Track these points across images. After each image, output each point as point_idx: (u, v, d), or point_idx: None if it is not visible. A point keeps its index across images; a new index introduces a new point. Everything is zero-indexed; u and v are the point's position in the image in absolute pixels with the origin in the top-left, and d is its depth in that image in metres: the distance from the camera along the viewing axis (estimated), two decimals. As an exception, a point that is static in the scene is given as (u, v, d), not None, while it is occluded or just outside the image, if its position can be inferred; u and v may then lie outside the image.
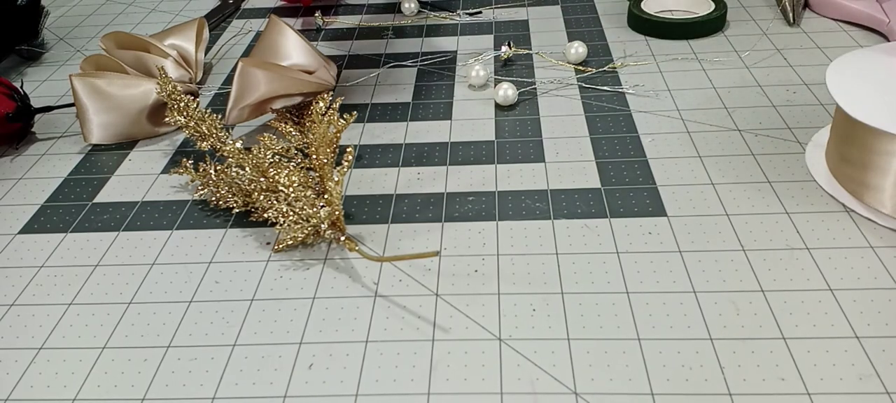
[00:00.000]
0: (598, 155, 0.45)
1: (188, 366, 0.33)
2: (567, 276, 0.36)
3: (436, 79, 0.56)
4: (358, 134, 0.49)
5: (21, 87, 0.53)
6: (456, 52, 0.60)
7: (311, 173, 0.42)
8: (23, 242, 0.42)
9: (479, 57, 0.58)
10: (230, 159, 0.42)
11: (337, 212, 0.38)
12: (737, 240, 0.37)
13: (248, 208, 0.42)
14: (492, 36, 0.62)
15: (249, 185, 0.41)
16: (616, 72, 0.54)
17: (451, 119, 0.50)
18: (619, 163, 0.44)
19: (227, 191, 0.42)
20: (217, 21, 0.69)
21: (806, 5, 0.62)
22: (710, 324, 0.33)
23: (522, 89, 0.53)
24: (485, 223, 0.40)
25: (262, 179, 0.40)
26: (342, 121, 0.42)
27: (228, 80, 0.57)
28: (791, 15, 0.60)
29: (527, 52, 0.58)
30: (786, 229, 0.38)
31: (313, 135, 0.44)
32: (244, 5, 0.73)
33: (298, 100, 0.49)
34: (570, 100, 0.51)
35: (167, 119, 0.47)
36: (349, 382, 0.31)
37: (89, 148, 0.50)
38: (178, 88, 0.49)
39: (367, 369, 0.32)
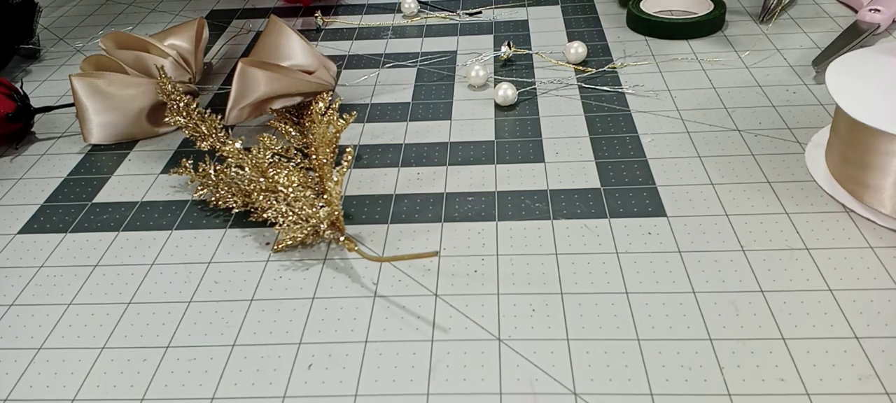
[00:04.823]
0: (597, 155, 0.45)
1: (187, 366, 0.33)
2: (566, 277, 0.36)
3: (436, 79, 0.56)
4: (358, 134, 0.49)
5: (21, 87, 0.53)
6: (456, 52, 0.60)
7: (311, 173, 0.42)
8: (22, 242, 0.42)
9: (479, 57, 0.58)
10: (230, 159, 0.42)
11: (336, 212, 0.38)
12: (736, 241, 0.37)
13: (248, 208, 0.42)
14: (492, 36, 0.62)
15: (249, 185, 0.41)
16: (616, 72, 0.54)
17: (450, 119, 0.50)
18: (619, 163, 0.44)
19: (227, 191, 0.42)
20: None
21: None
22: (709, 325, 0.33)
23: (522, 89, 0.53)
24: (484, 223, 0.40)
25: (261, 179, 0.40)
26: (342, 121, 0.42)
27: (228, 80, 0.57)
28: (768, 13, 0.60)
29: (527, 52, 0.58)
30: (785, 229, 0.38)
31: (313, 135, 0.44)
32: (245, 5, 0.73)
33: (298, 100, 0.49)
34: (569, 100, 0.51)
35: (167, 119, 0.47)
36: (348, 382, 0.31)
37: (89, 148, 0.50)
38: (178, 88, 0.49)
39: (366, 369, 0.32)
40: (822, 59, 0.52)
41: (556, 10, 0.66)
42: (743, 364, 0.31)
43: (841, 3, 0.62)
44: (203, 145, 0.45)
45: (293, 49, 0.53)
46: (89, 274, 0.39)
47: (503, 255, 0.38)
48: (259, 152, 0.41)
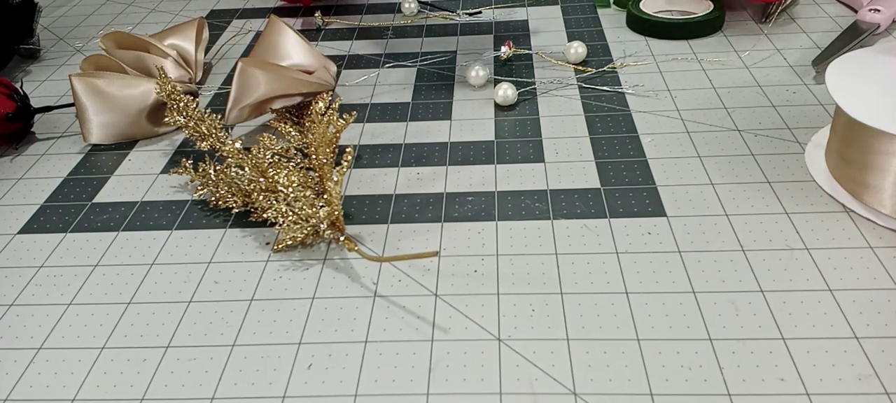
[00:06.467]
0: (597, 155, 0.45)
1: (187, 366, 0.33)
2: (566, 276, 0.36)
3: (436, 79, 0.56)
4: (357, 134, 0.49)
5: (21, 87, 0.53)
6: (456, 52, 0.60)
7: (311, 173, 0.42)
8: (22, 242, 0.42)
9: (479, 57, 0.58)
10: (230, 159, 0.42)
11: (336, 212, 0.38)
12: (736, 241, 0.37)
13: (248, 208, 0.42)
14: (492, 36, 0.62)
15: (249, 185, 0.41)
16: (616, 72, 0.54)
17: (450, 119, 0.50)
18: (619, 163, 0.44)
19: (227, 191, 0.42)
20: None
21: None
22: (709, 325, 0.33)
23: (522, 89, 0.53)
24: (484, 223, 0.40)
25: (261, 179, 0.40)
26: (342, 121, 0.42)
27: (228, 80, 0.57)
28: (770, 15, 0.60)
29: (527, 52, 0.58)
30: (785, 229, 0.38)
31: (313, 135, 0.44)
32: (245, 5, 0.73)
33: (298, 100, 0.49)
34: (569, 100, 0.51)
35: (167, 119, 0.47)
36: (348, 382, 0.31)
37: (89, 148, 0.50)
38: (178, 88, 0.49)
39: (366, 369, 0.32)
40: (822, 59, 0.52)
41: (556, 10, 0.66)
42: (743, 364, 0.31)
43: (841, 3, 0.62)
44: (203, 145, 0.45)
45: (293, 49, 0.53)
46: (89, 274, 0.39)
47: (503, 255, 0.38)
48: (259, 152, 0.41)
